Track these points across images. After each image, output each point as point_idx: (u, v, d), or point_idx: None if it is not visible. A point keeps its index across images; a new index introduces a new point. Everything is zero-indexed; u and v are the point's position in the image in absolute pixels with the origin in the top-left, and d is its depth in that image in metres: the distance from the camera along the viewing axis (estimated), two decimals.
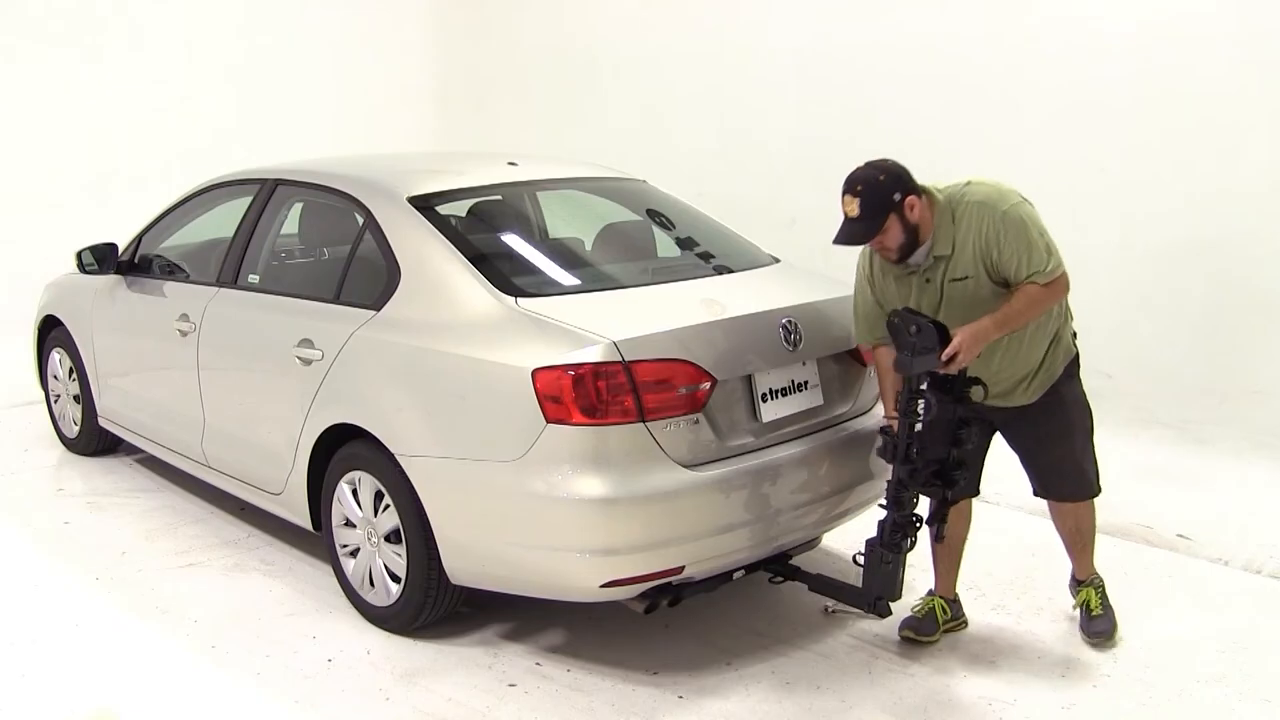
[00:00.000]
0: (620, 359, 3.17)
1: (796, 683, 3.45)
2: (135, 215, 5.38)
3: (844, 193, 3.20)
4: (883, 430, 3.34)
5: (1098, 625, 3.66)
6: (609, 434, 3.15)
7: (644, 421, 3.19)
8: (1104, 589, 3.72)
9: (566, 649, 3.64)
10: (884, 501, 3.36)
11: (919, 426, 3.21)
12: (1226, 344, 4.96)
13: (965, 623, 3.77)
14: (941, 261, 3.25)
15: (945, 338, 3.09)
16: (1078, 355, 3.46)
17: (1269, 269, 4.80)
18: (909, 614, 3.67)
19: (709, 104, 7.07)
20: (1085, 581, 3.72)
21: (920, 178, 3.27)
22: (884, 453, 3.32)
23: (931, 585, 3.76)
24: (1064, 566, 3.80)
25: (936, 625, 3.66)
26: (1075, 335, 3.46)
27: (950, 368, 3.13)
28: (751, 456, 3.42)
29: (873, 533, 3.49)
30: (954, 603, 3.74)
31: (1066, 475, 3.52)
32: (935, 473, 3.32)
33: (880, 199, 3.16)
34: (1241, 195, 4.87)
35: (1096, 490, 3.56)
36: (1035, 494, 3.61)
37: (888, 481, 3.34)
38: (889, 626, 3.69)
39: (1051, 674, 3.50)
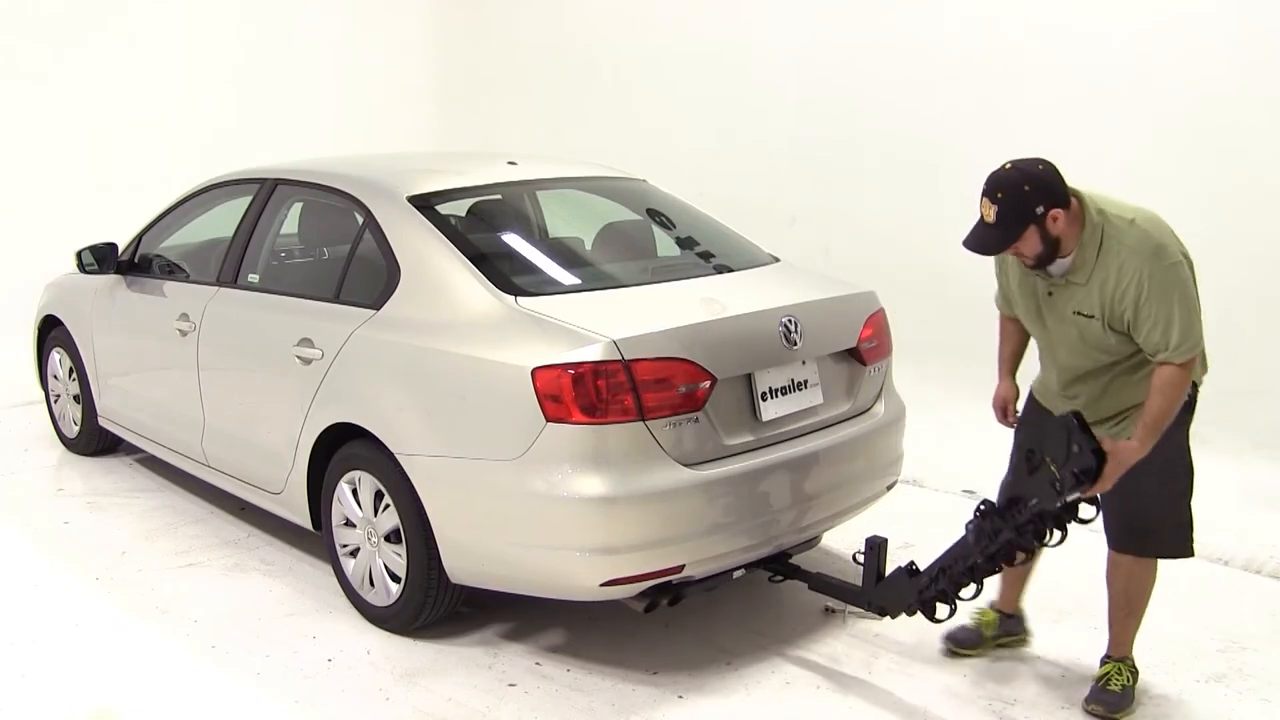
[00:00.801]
0: (620, 358, 3.17)
1: (796, 683, 3.45)
2: (135, 215, 5.38)
3: (983, 194, 2.95)
4: (982, 513, 3.11)
5: (1107, 697, 3.25)
6: (609, 433, 3.15)
7: (644, 420, 3.19)
8: (1135, 674, 3.31)
9: (566, 649, 3.64)
10: (944, 567, 3.18)
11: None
12: (1227, 344, 4.94)
13: (1025, 639, 3.65)
14: (1072, 287, 3.02)
15: (1101, 464, 2.85)
16: (1192, 404, 3.11)
17: (1269, 269, 4.79)
18: (958, 625, 3.58)
19: (709, 104, 7.06)
20: (1116, 658, 3.32)
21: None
22: (973, 536, 3.10)
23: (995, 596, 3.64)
24: (1063, 566, 3.78)
25: (981, 639, 3.60)
26: (1196, 385, 3.13)
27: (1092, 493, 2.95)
28: (751, 456, 3.42)
29: (872, 531, 3.50)
30: (1011, 617, 3.64)
31: (1127, 523, 3.16)
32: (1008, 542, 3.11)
33: (1022, 210, 2.90)
34: (1241, 196, 4.86)
35: (1155, 552, 3.19)
36: (1109, 545, 3.26)
37: (960, 553, 3.15)
38: (889, 626, 3.68)
39: (1051, 674, 3.50)
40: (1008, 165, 2.98)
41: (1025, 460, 3.04)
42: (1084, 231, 2.96)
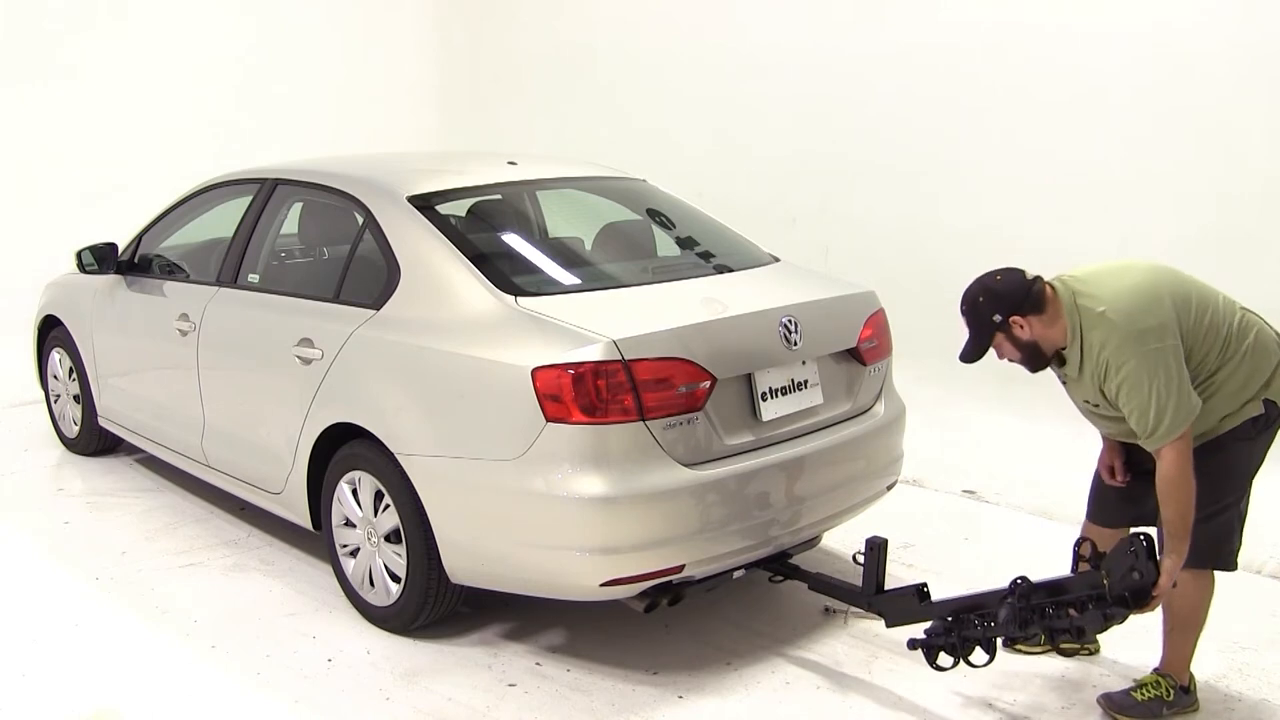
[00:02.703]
0: (620, 358, 3.17)
1: (796, 683, 3.45)
2: (135, 215, 5.38)
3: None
4: (1019, 594, 3.05)
5: (1119, 696, 3.25)
6: (608, 433, 3.15)
7: (644, 420, 3.19)
8: (1170, 693, 3.20)
9: (566, 649, 3.64)
10: (961, 618, 3.17)
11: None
12: None
13: (1091, 648, 3.59)
14: (1073, 382, 3.11)
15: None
16: (1260, 419, 3.04)
17: (1269, 269, 4.79)
18: None
19: (709, 104, 7.07)
20: (1159, 670, 3.26)
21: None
22: (1005, 613, 3.04)
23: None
24: (1063, 565, 3.77)
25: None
26: (1276, 404, 3.04)
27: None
28: (752, 456, 3.42)
29: (872, 531, 3.50)
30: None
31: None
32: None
33: (981, 322, 3.08)
34: (1241, 196, 4.86)
35: (1193, 561, 3.03)
36: None
37: (982, 608, 3.14)
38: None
39: (1051, 674, 3.49)
40: (976, 279, 3.12)
41: (1076, 550, 3.04)
42: (1065, 319, 3.02)
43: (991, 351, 3.16)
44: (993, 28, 5.64)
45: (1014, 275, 3.08)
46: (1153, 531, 3.01)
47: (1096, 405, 3.10)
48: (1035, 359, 3.11)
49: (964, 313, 3.12)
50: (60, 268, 5.68)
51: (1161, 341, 2.91)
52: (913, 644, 3.25)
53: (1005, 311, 3.04)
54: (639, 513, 3.19)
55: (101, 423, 5.39)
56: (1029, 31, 5.49)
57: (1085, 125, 5.31)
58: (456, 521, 3.44)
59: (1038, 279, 3.08)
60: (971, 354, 3.14)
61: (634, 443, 3.18)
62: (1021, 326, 3.04)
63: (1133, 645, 3.54)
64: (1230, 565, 3.18)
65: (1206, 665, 3.55)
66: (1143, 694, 3.23)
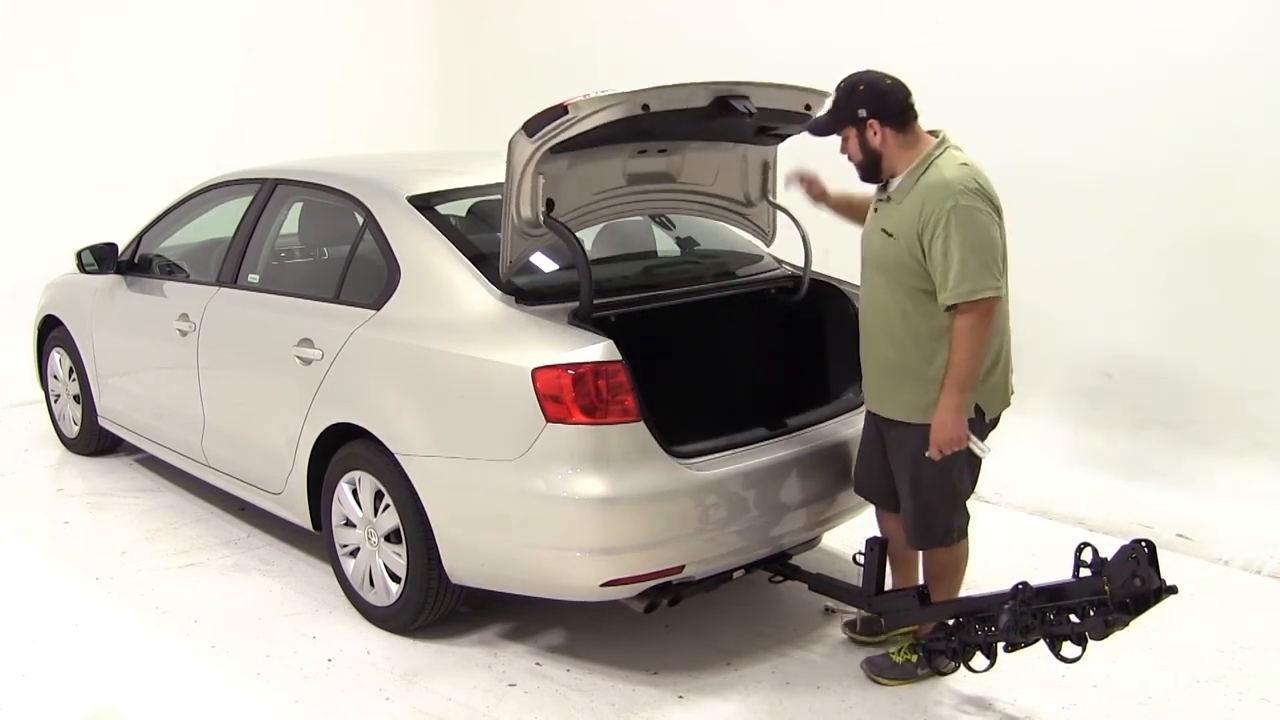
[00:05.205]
0: (619, 358, 3.17)
1: (796, 683, 3.45)
2: (135, 215, 5.38)
3: None
4: (1021, 599, 3.06)
5: (883, 664, 3.45)
6: (609, 433, 3.16)
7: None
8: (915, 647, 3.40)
9: (566, 649, 3.64)
10: (962, 622, 3.22)
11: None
12: (1227, 344, 4.94)
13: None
14: (890, 205, 3.17)
15: (1159, 598, 2.90)
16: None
17: (1269, 268, 4.79)
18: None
19: None
20: (917, 634, 3.43)
21: None
22: (1007, 619, 3.06)
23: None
24: (1065, 567, 3.77)
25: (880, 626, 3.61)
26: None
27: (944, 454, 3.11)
28: (752, 456, 3.42)
29: (872, 531, 3.50)
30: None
31: None
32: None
33: (846, 107, 3.14)
34: (1242, 194, 4.86)
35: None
36: None
37: (983, 614, 3.17)
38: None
39: (1051, 674, 3.49)
40: (865, 69, 3.17)
41: (1077, 555, 3.04)
42: (916, 156, 3.11)
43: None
44: (992, 28, 5.64)
45: (901, 89, 3.15)
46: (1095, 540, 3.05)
47: (894, 235, 3.10)
48: (871, 170, 3.18)
49: (838, 89, 3.17)
50: (60, 268, 5.67)
51: (992, 210, 3.02)
52: (913, 649, 3.34)
53: (871, 112, 3.09)
54: (639, 513, 3.19)
55: (101, 423, 5.39)
56: (1029, 32, 5.49)
57: (1084, 124, 5.30)
58: (456, 522, 3.44)
59: (914, 109, 3.15)
60: (819, 129, 3.24)
61: (634, 443, 3.18)
62: (875, 133, 3.10)
63: (1131, 650, 3.55)
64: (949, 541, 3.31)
65: (1206, 665, 3.56)
66: (900, 655, 3.39)
